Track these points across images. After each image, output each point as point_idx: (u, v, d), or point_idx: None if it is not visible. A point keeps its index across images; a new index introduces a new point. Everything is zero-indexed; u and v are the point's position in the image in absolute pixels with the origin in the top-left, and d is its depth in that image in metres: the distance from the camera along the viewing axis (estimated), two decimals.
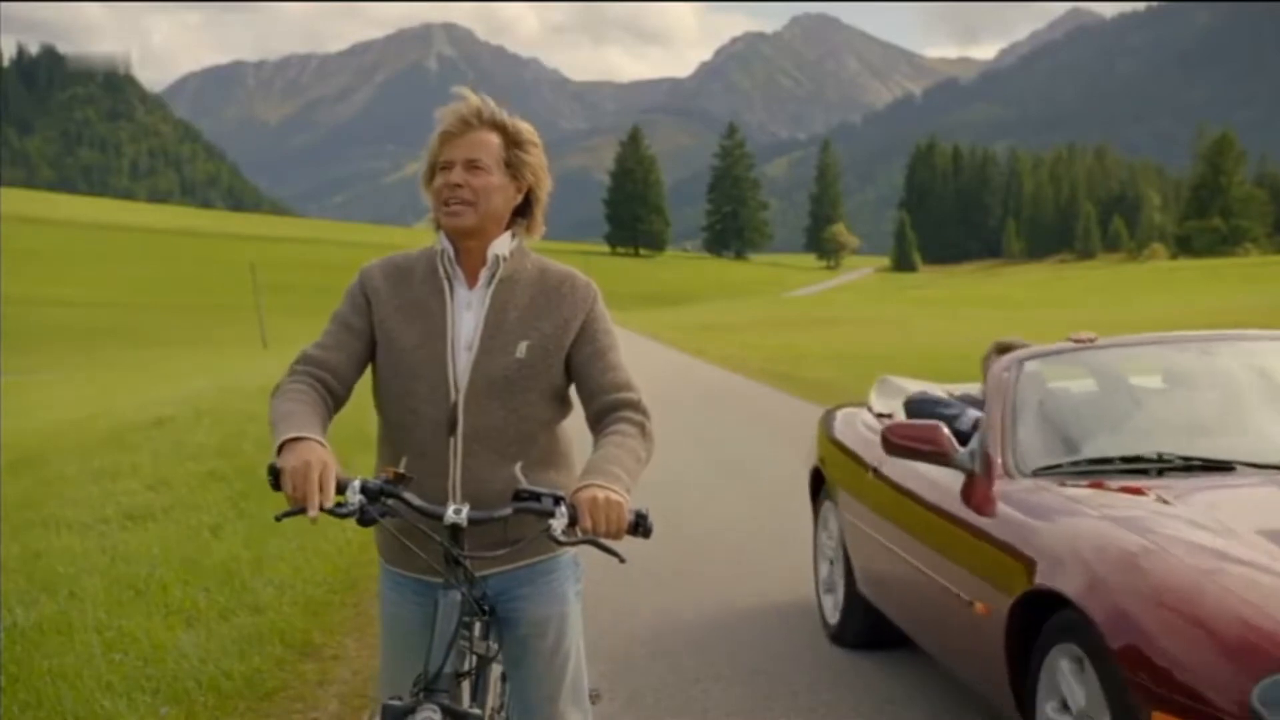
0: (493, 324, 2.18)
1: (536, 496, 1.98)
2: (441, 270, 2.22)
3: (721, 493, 7.98)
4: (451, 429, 2.15)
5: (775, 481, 8.43)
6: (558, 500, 1.95)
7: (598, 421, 2.22)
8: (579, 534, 1.96)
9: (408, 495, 1.98)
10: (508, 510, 2.00)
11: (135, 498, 7.67)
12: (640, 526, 1.97)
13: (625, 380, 2.23)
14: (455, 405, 2.15)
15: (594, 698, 2.60)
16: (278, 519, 1.98)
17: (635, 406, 2.21)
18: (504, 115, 2.20)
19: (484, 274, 2.21)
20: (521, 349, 2.17)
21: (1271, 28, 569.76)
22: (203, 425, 11.81)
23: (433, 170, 2.21)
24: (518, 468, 2.19)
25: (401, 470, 2.05)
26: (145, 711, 3.79)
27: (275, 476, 1.89)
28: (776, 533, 6.59)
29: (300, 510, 1.88)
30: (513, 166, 2.19)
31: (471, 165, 2.15)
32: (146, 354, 40.17)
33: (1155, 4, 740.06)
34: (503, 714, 2.50)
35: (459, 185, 2.14)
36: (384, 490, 1.96)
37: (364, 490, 1.94)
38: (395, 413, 2.21)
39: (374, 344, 2.23)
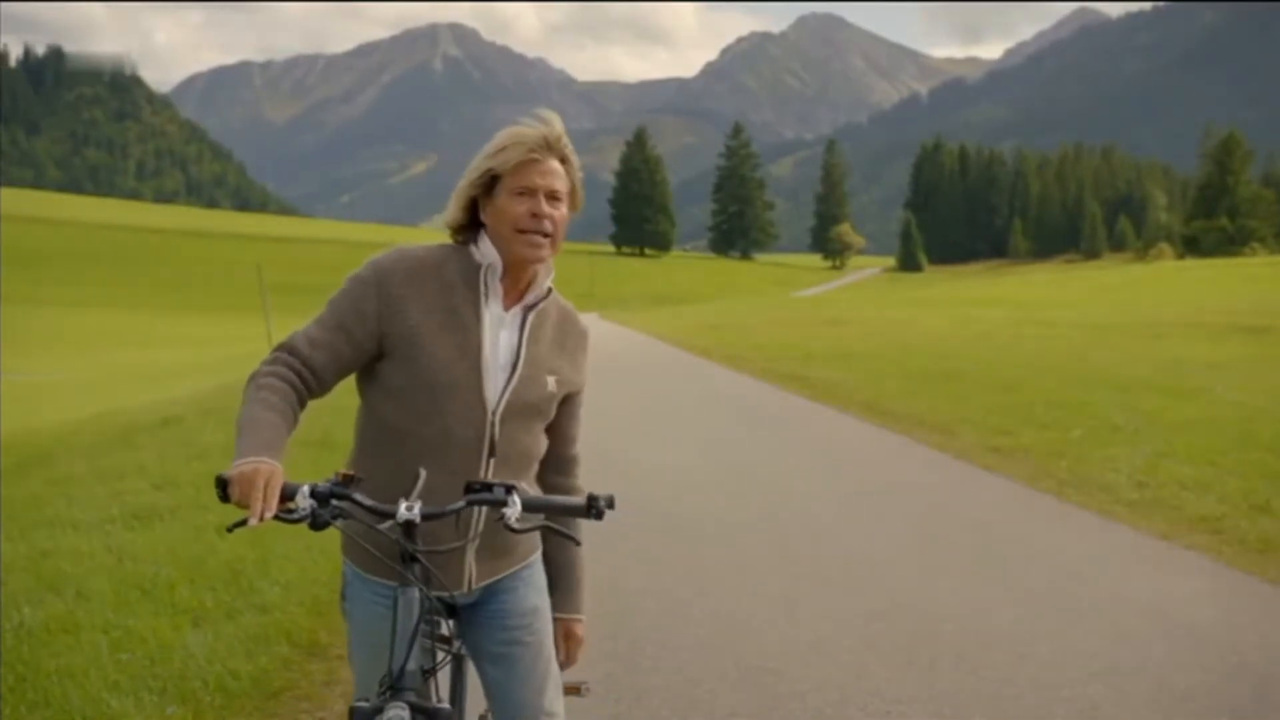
0: (531, 352, 2.17)
1: (489, 487, 2.02)
2: (482, 285, 2.16)
3: (728, 494, 7.97)
4: (491, 450, 2.14)
5: (783, 482, 8.42)
6: (509, 490, 2.01)
7: (554, 470, 2.38)
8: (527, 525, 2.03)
9: (358, 496, 1.97)
10: (461, 504, 2.02)
11: (142, 497, 7.68)
12: (593, 508, 2.03)
13: (579, 432, 2.42)
14: (492, 426, 2.14)
15: (583, 691, 2.59)
16: (229, 530, 1.96)
17: (579, 463, 2.44)
18: (570, 148, 2.18)
19: (528, 298, 2.19)
20: (551, 383, 2.21)
21: (1278, 26, 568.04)
22: (209, 425, 11.81)
23: (489, 183, 2.13)
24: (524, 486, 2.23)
25: (351, 472, 2.02)
26: (152, 711, 3.79)
27: (223, 488, 1.88)
28: (783, 534, 6.58)
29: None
30: (573, 197, 2.19)
31: (552, 196, 2.12)
32: (153, 354, 40.23)
33: (1161, 3, 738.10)
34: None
35: (545, 216, 2.11)
36: (333, 493, 1.95)
37: (313, 494, 1.92)
38: (417, 425, 2.12)
39: (370, 354, 2.14)
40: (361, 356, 2.14)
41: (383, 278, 2.12)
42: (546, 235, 2.12)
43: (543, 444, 2.28)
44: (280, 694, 4.04)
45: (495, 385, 2.14)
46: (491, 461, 2.15)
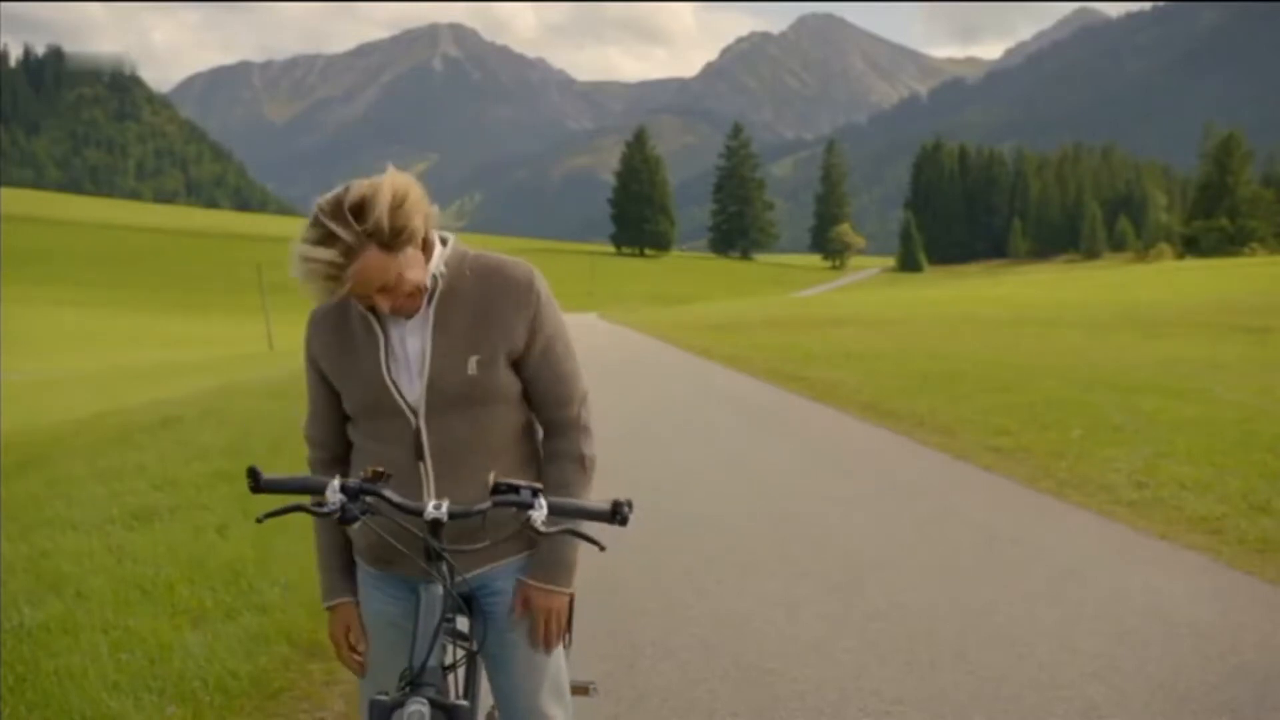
0: (441, 344, 2.13)
1: (515, 489, 2.02)
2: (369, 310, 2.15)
3: (728, 493, 7.97)
4: (419, 454, 2.16)
5: (783, 482, 8.41)
6: (536, 493, 2.01)
7: (546, 435, 2.33)
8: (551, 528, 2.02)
9: (387, 493, 1.99)
10: (487, 504, 2.02)
11: (142, 498, 7.68)
12: (618, 514, 2.00)
13: (568, 392, 2.26)
14: (418, 431, 2.15)
15: (590, 691, 2.60)
16: (259, 520, 2.00)
17: (576, 427, 2.27)
18: (376, 213, 1.93)
19: (423, 299, 2.14)
20: (472, 365, 2.14)
21: (1279, 26, 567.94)
22: (209, 425, 11.83)
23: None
24: (491, 477, 2.16)
25: (381, 469, 2.04)
26: (152, 711, 3.79)
27: (255, 480, 1.91)
28: (783, 533, 6.58)
29: (287, 509, 1.90)
30: (411, 239, 2.01)
31: (384, 290, 2.02)
32: (153, 354, 40.25)
33: (1161, 3, 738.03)
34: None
35: (392, 311, 2.08)
36: (363, 489, 1.97)
37: (343, 489, 1.95)
38: (364, 444, 2.24)
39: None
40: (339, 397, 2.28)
41: (308, 335, 2.28)
42: (408, 301, 2.08)
43: (502, 427, 2.22)
44: (280, 694, 4.04)
45: (413, 392, 2.14)
46: (422, 465, 2.16)
